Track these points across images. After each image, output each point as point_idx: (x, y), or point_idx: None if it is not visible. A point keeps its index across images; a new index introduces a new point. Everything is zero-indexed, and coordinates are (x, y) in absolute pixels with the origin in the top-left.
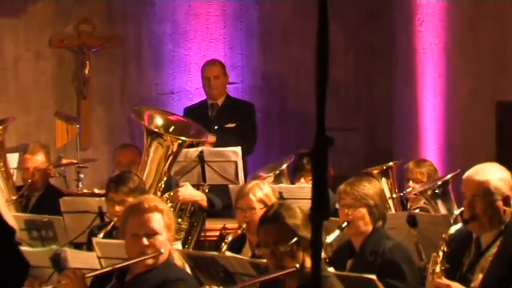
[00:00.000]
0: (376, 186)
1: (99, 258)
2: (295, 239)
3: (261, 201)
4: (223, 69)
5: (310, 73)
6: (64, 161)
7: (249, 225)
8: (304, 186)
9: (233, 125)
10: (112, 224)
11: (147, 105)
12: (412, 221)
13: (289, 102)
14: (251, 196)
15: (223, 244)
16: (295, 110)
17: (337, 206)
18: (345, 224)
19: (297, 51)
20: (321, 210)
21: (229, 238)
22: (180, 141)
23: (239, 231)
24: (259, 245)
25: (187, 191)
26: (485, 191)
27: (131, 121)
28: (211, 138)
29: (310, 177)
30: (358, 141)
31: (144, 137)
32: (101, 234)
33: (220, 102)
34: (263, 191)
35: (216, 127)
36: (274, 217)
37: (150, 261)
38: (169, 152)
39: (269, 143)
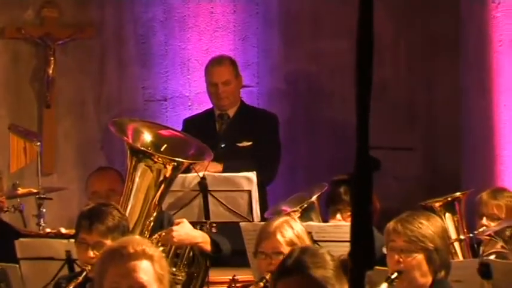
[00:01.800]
0: (438, 225)
1: None
2: None
3: (292, 244)
4: (234, 70)
5: (348, 73)
6: (21, 190)
7: None
8: (341, 225)
9: (249, 143)
10: (84, 274)
11: (131, 116)
12: (486, 271)
13: (320, 112)
14: (279, 237)
15: None
16: (328, 121)
17: (384, 250)
18: (395, 274)
19: (331, 44)
20: (363, 256)
21: None
22: (175, 164)
23: (261, 284)
24: None
25: (185, 231)
26: None
27: (110, 137)
28: (216, 165)
29: (349, 213)
30: (413, 163)
31: (128, 158)
32: None
33: (232, 112)
34: (294, 230)
35: (224, 145)
36: (296, 267)
37: None
38: (161, 178)
39: (294, 166)
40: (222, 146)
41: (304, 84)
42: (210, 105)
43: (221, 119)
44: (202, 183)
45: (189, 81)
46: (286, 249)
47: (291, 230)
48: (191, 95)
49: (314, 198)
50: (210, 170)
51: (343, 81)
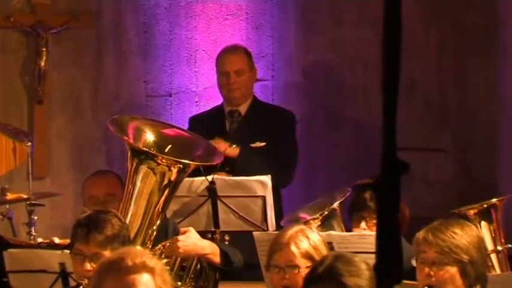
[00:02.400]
0: (473, 234)
1: None
2: None
3: (308, 256)
4: (249, 61)
5: (373, 65)
6: (10, 195)
7: None
8: (366, 234)
9: (262, 144)
10: None
11: (132, 114)
12: None
13: (341, 109)
14: (293, 248)
15: None
16: (350, 119)
17: (413, 263)
18: None
19: (354, 33)
20: (390, 269)
21: None
22: (181, 166)
23: None
24: None
25: (192, 241)
26: None
27: (108, 136)
28: (232, 150)
29: (375, 221)
30: (445, 166)
31: (128, 160)
32: None
33: (243, 109)
34: (310, 240)
35: (235, 146)
36: (328, 274)
37: None
38: (165, 181)
39: (313, 168)
40: (233, 146)
41: (324, 78)
42: (219, 102)
43: (232, 117)
44: (211, 188)
45: (197, 74)
46: (301, 262)
47: (306, 240)
48: (199, 90)
49: (336, 204)
50: (228, 152)
51: (368, 75)
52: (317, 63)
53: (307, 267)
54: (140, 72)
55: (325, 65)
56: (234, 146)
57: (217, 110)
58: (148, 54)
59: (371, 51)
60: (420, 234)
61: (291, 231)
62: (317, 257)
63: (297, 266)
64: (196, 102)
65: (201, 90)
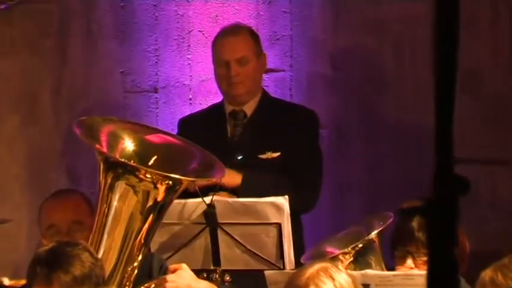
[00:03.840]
0: None
1: None
2: None
3: None
4: (255, 45)
5: (422, 53)
6: None
7: None
8: (413, 274)
9: (275, 154)
10: None
11: (106, 115)
12: None
13: (381, 108)
14: None
15: None
16: (392, 122)
17: None
18: None
19: (397, 9)
20: None
21: None
22: (171, 183)
23: None
24: None
25: (184, 282)
26: None
27: (74, 144)
28: (232, 174)
29: (424, 257)
30: None
31: (100, 175)
32: None
33: (250, 108)
34: (336, 281)
35: (241, 157)
36: None
37: None
38: (150, 203)
39: (344, 187)
40: (239, 158)
41: (358, 69)
42: (219, 99)
43: (234, 118)
44: (210, 212)
45: (190, 63)
46: None
47: (331, 282)
48: (193, 84)
49: (374, 234)
50: (225, 180)
51: (417, 65)
52: (350, 49)
53: None
54: (116, 60)
55: (360, 52)
56: (239, 156)
57: (216, 110)
58: (126, 37)
59: (421, 33)
60: (486, 274)
61: (311, 270)
62: None
63: None
64: (190, 99)
65: (195, 84)
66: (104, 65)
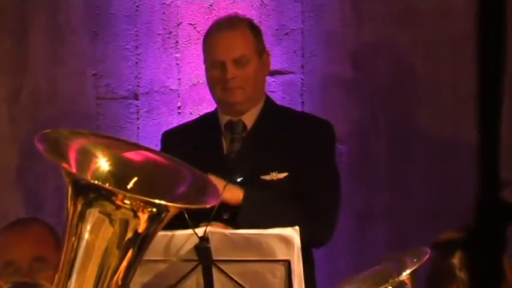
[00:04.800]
0: None
1: None
2: None
3: None
4: (256, 41)
5: (463, 53)
6: None
7: None
8: None
9: (282, 175)
10: None
11: (75, 128)
12: None
13: (414, 121)
14: None
15: None
16: (428, 138)
17: None
18: None
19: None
20: None
21: None
22: (154, 211)
23: None
24: None
25: None
26: None
27: (35, 162)
28: (233, 190)
29: None
30: None
31: (68, 201)
32: None
33: (250, 119)
34: None
35: (241, 178)
36: None
37: None
38: (129, 235)
39: (367, 216)
40: (238, 180)
41: (385, 71)
42: (213, 107)
43: (231, 131)
44: (203, 247)
45: (179, 63)
46: None
47: None
48: (182, 89)
49: (406, 275)
50: (227, 196)
51: (457, 67)
52: (375, 46)
53: None
54: (87, 60)
55: (387, 50)
56: (238, 178)
57: (208, 122)
58: (100, 32)
59: (462, 28)
60: None
61: None
62: None
63: None
64: (179, 108)
65: (185, 89)
66: (72, 66)
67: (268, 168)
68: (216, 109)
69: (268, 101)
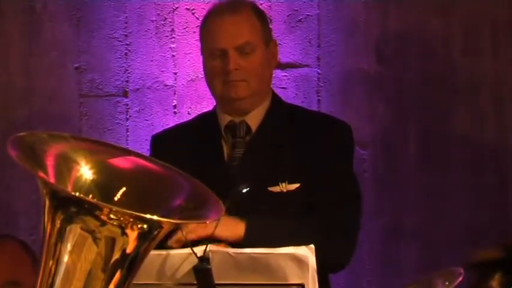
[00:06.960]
0: None
1: None
2: None
3: None
4: (262, 28)
5: (506, 43)
6: None
7: None
8: None
9: (294, 186)
10: None
11: (53, 130)
12: None
13: (448, 121)
14: None
15: None
16: (464, 141)
17: None
18: None
19: None
20: None
21: None
22: (145, 228)
23: None
24: None
25: None
26: None
27: (8, 170)
28: (229, 223)
29: None
30: None
31: (45, 215)
32: None
33: (255, 120)
34: None
35: (247, 189)
36: None
37: None
38: (116, 256)
39: (394, 231)
40: (244, 191)
41: (416, 65)
42: (212, 106)
43: (233, 134)
44: (202, 269)
45: (175, 55)
46: None
47: None
48: (178, 85)
49: None
50: (221, 233)
51: (497, 59)
52: (404, 35)
53: None
54: (69, 51)
55: (419, 40)
56: (244, 189)
57: (207, 123)
58: (82, 19)
59: (505, 16)
60: None
61: None
62: None
63: None
64: (174, 107)
65: (182, 84)
66: (51, 57)
67: (277, 179)
68: (214, 108)
69: (275, 99)
